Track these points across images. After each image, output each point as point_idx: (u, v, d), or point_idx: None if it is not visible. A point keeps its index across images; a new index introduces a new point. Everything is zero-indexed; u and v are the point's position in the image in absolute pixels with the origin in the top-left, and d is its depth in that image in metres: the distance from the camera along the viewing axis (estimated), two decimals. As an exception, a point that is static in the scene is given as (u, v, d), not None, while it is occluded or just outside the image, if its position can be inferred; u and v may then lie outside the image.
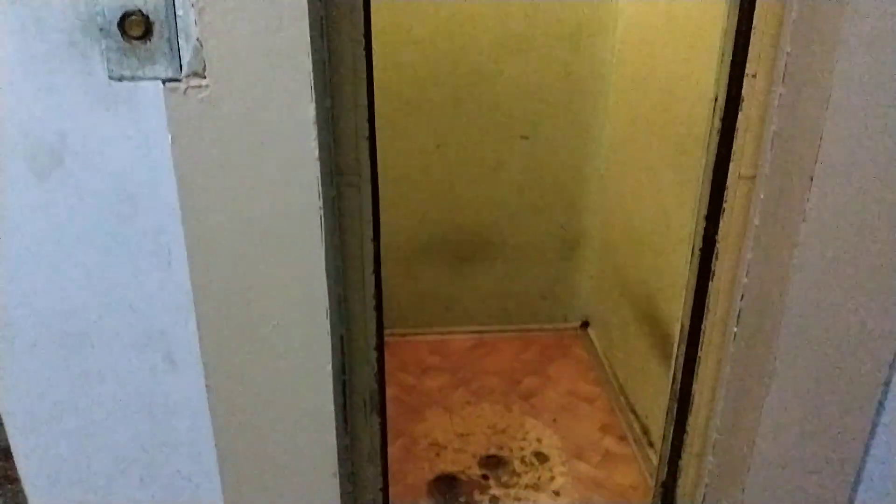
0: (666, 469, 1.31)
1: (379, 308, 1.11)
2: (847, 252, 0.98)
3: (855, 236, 0.97)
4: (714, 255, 1.11)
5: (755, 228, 1.05)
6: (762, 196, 1.03)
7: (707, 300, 1.14)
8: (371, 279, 1.09)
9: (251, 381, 0.99)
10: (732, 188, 1.07)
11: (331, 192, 0.97)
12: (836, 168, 0.93)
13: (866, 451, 1.14)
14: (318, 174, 0.87)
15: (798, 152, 0.97)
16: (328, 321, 0.97)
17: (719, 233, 1.10)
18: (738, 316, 1.10)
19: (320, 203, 0.89)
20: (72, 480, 1.06)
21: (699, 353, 1.19)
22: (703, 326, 1.17)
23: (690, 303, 1.18)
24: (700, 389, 1.20)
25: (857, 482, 1.17)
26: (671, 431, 1.28)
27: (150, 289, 0.94)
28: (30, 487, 1.07)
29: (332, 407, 1.02)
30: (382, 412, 1.18)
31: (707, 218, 1.12)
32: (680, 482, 1.29)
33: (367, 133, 1.00)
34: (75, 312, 0.95)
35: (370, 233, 1.05)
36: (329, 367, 1.00)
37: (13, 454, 1.05)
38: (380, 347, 1.13)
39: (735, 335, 1.11)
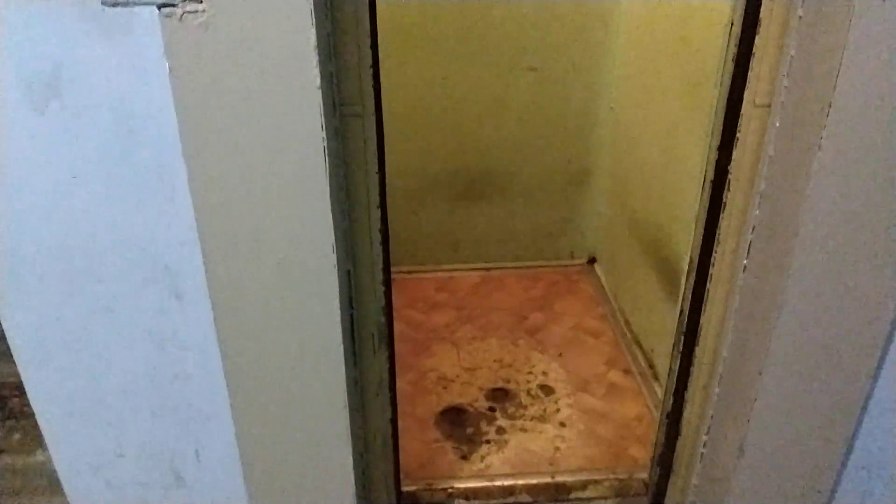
0: (671, 400, 1.32)
1: (385, 243, 1.10)
2: (863, 182, 0.95)
3: (872, 164, 0.94)
4: (726, 186, 1.09)
5: (769, 158, 1.02)
6: (777, 124, 1.00)
7: (717, 232, 1.13)
8: (377, 213, 1.07)
9: (259, 316, 1.00)
10: (747, 117, 1.04)
11: (334, 123, 0.95)
12: (856, 95, 0.90)
13: (874, 381, 1.14)
14: (321, 103, 0.85)
15: (816, 78, 0.93)
16: (334, 255, 0.96)
17: (732, 163, 1.07)
18: (749, 248, 1.09)
19: (323, 134, 0.87)
20: (84, 414, 1.08)
21: (708, 286, 1.18)
22: (712, 259, 1.15)
23: (700, 235, 1.16)
24: (708, 322, 1.20)
25: (862, 414, 1.18)
26: (678, 363, 1.29)
27: (155, 224, 0.93)
28: (43, 422, 1.09)
29: (340, 340, 1.03)
30: (390, 346, 1.18)
31: (720, 148, 1.09)
32: (685, 413, 1.31)
33: (370, 62, 0.96)
34: (80, 247, 0.94)
35: (375, 166, 1.03)
36: (336, 301, 1.00)
37: (26, 389, 1.07)
38: (387, 282, 1.13)
39: (745, 267, 1.10)
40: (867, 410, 1.17)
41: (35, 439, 1.68)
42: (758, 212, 1.06)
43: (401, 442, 1.30)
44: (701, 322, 1.21)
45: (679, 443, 1.33)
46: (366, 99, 0.98)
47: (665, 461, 1.37)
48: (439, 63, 2.05)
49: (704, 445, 1.29)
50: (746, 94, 1.02)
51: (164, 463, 1.14)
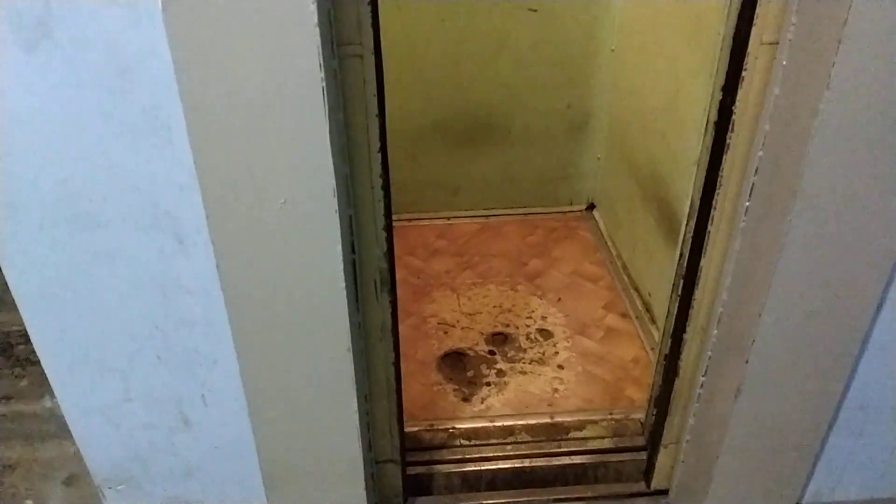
0: (669, 342, 1.33)
1: (386, 187, 1.09)
2: (870, 122, 0.94)
3: (880, 104, 0.93)
4: (730, 128, 1.08)
5: (775, 98, 1.01)
6: (784, 63, 0.98)
7: (720, 174, 1.12)
8: (377, 158, 1.06)
9: (261, 261, 0.99)
10: (753, 55, 1.02)
11: (333, 64, 0.93)
12: (868, 30, 0.88)
13: (871, 327, 1.16)
14: (319, 41, 0.83)
15: (827, 14, 0.91)
16: (335, 199, 0.95)
17: (737, 104, 1.06)
18: (752, 190, 1.08)
19: (322, 74, 0.85)
20: (89, 360, 1.09)
21: (709, 229, 1.18)
22: (714, 202, 1.15)
23: (703, 177, 1.15)
24: (708, 264, 1.20)
25: (858, 359, 1.20)
26: (676, 306, 1.30)
27: (153, 168, 0.92)
28: (49, 369, 1.10)
29: (343, 285, 1.03)
30: (393, 292, 1.19)
31: (724, 89, 1.07)
32: (683, 355, 1.32)
33: (368, -1, 0.94)
34: (79, 193, 0.93)
35: (375, 108, 1.02)
36: (339, 246, 1.00)
37: (31, 337, 1.07)
38: (388, 228, 1.13)
39: (747, 209, 1.10)
40: (864, 352, 1.19)
41: (43, 385, 1.70)
42: (762, 152, 1.05)
43: (403, 385, 1.32)
44: (701, 264, 1.21)
45: (676, 384, 1.35)
46: (365, 38, 0.95)
47: (662, 402, 1.39)
48: (438, 3, 2.00)
49: (702, 386, 1.31)
50: (754, 32, 1.00)
51: (171, 406, 1.16)
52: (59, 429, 1.63)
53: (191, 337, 1.08)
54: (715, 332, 1.25)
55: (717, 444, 1.28)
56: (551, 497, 1.49)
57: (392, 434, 1.34)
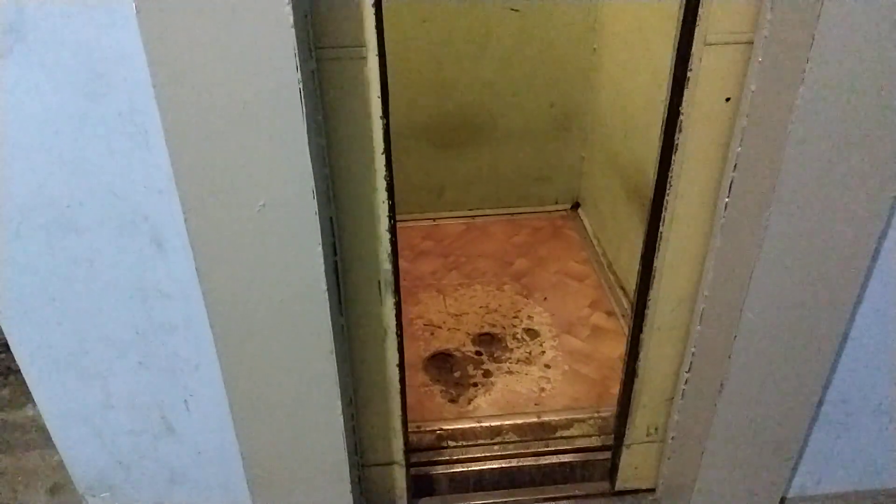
0: (629, 343, 1.33)
1: (391, 189, 1.07)
2: (847, 117, 0.95)
3: (856, 98, 0.94)
4: (678, 128, 1.08)
5: (751, 94, 1.02)
6: (760, 59, 0.99)
7: (670, 174, 1.12)
8: (382, 159, 1.04)
9: (241, 264, 0.99)
10: (697, 56, 1.02)
11: (310, 65, 0.93)
12: (841, 25, 0.89)
13: (851, 321, 1.17)
14: (295, 43, 0.83)
15: (801, 8, 0.92)
16: (315, 202, 0.95)
17: (683, 104, 1.06)
18: (730, 186, 1.09)
19: (298, 76, 0.85)
20: (70, 367, 1.08)
21: (660, 230, 1.17)
22: (664, 202, 1.15)
23: (655, 179, 1.15)
24: (661, 265, 1.22)
25: (839, 353, 1.21)
26: (635, 307, 1.30)
27: (130, 172, 0.92)
28: (30, 377, 1.09)
29: (324, 288, 1.02)
30: (397, 293, 1.18)
31: (673, 86, 1.07)
32: (641, 355, 1.31)
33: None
34: (56, 198, 0.93)
35: (380, 110, 1.00)
36: (319, 248, 0.99)
37: (10, 344, 1.06)
38: (393, 229, 1.12)
39: (726, 206, 1.11)
40: (846, 345, 1.20)
41: (25, 394, 1.69)
42: (739, 149, 1.06)
43: (389, 386, 1.31)
44: (655, 265, 1.21)
45: (636, 384, 1.34)
46: (368, 38, 0.95)
47: (624, 403, 1.38)
48: (419, 4, 2.00)
49: (686, 382, 1.32)
50: (697, 33, 1.00)
51: (154, 413, 1.15)
52: (42, 438, 1.61)
53: (172, 341, 1.07)
54: (698, 328, 1.26)
55: (702, 440, 1.29)
56: (540, 496, 1.49)
57: (395, 437, 1.34)
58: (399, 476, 1.40)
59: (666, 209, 1.15)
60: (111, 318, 1.04)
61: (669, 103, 1.07)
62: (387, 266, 1.15)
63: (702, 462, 1.31)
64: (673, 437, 1.40)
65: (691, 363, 1.30)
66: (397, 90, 2.10)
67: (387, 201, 1.08)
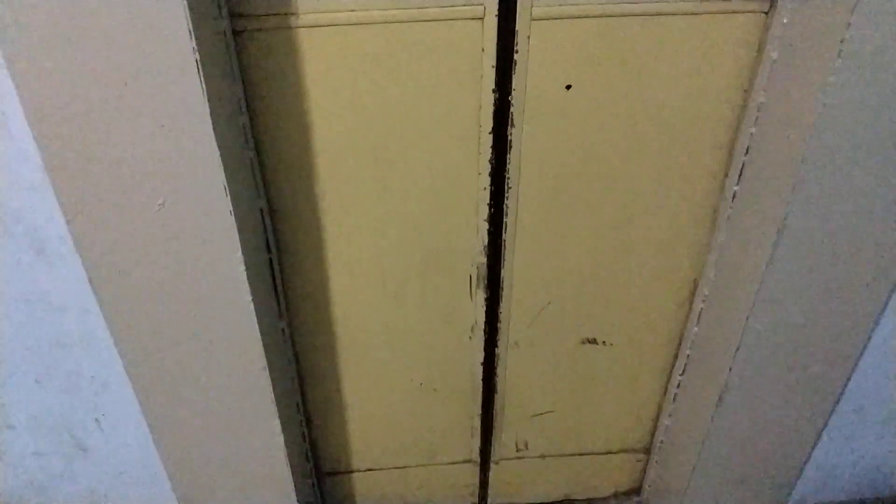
0: (482, 357, 1.17)
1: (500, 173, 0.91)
2: (882, 98, 0.76)
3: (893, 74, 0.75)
4: (509, 121, 0.89)
5: (771, 64, 0.82)
6: (784, 21, 0.79)
7: (507, 174, 0.93)
8: (489, 140, 0.87)
9: (143, 272, 0.81)
10: (523, 33, 0.82)
11: (221, 29, 0.73)
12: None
13: (873, 329, 1.00)
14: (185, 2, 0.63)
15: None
16: (228, 198, 0.77)
17: (513, 93, 0.86)
18: (741, 172, 0.91)
19: (193, 44, 0.66)
20: (-43, 383, 0.92)
21: (503, 237, 1.00)
22: (504, 207, 0.97)
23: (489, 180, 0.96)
24: (509, 270, 1.04)
25: (857, 362, 1.06)
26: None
27: (-12, 164, 0.73)
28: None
29: (248, 298, 0.85)
30: (491, 287, 1.05)
31: (497, 82, 0.88)
32: (499, 370, 1.17)
33: None
34: None
35: (492, 82, 0.81)
36: (238, 253, 0.81)
37: None
38: (495, 219, 0.98)
39: (734, 195, 0.93)
40: (864, 354, 1.04)
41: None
42: (753, 129, 0.88)
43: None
44: (502, 275, 1.04)
45: (496, 400, 1.20)
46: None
47: (486, 420, 1.24)
48: None
49: (679, 386, 1.17)
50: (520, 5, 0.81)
51: (61, 432, 0.99)
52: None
53: (70, 358, 0.90)
54: (695, 329, 1.10)
55: (694, 450, 1.14)
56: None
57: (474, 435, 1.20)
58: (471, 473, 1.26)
59: (507, 214, 0.97)
60: (-6, 333, 0.87)
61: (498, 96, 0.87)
62: (481, 259, 1.00)
63: (694, 472, 1.17)
64: (661, 443, 1.26)
65: (685, 367, 1.14)
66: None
67: (488, 188, 0.93)
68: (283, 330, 1.03)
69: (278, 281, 0.98)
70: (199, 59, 0.67)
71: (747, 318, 0.95)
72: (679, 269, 1.05)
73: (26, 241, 0.78)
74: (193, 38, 0.66)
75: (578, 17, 0.82)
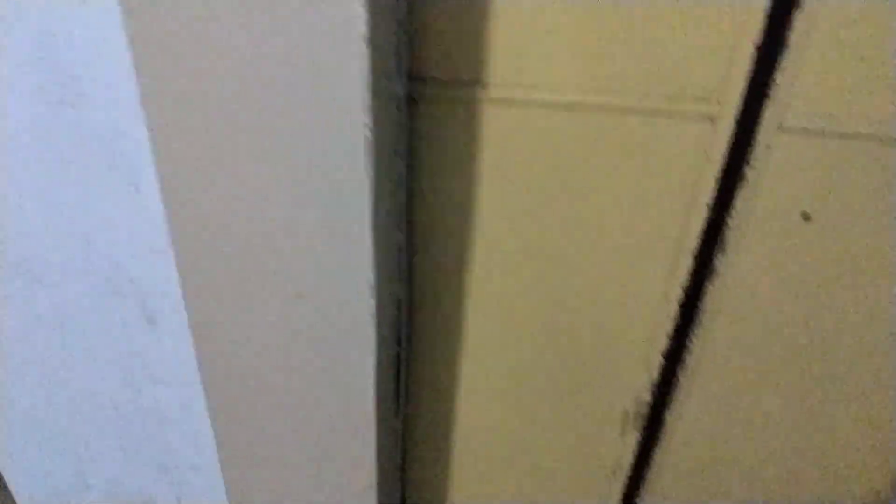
0: None
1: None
2: None
3: None
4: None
5: None
6: None
7: None
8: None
9: (260, 360, 0.69)
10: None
11: (398, 92, 0.60)
12: None
13: None
14: (367, 66, 0.50)
15: None
16: (373, 299, 0.63)
17: None
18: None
19: (366, 119, 0.53)
20: (42, 442, 0.83)
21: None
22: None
23: None
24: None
25: None
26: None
27: (112, 221, 0.63)
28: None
29: (371, 407, 0.71)
30: (650, 427, 0.86)
31: None
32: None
33: None
34: (15, 243, 0.65)
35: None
36: (373, 357, 0.67)
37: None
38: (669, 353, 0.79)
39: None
40: None
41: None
42: None
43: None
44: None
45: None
46: (721, 91, 0.62)
47: None
48: None
49: None
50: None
51: None
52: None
53: (161, 432, 0.79)
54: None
55: None
56: None
57: None
58: None
59: None
60: (87, 394, 0.77)
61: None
62: (645, 397, 0.82)
63: None
64: None
65: None
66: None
67: (674, 317, 0.75)
68: (396, 429, 0.88)
69: (402, 377, 0.84)
70: (369, 135, 0.54)
71: None
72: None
73: (137, 304, 0.68)
74: (369, 112, 0.53)
75: (840, 135, 0.63)
